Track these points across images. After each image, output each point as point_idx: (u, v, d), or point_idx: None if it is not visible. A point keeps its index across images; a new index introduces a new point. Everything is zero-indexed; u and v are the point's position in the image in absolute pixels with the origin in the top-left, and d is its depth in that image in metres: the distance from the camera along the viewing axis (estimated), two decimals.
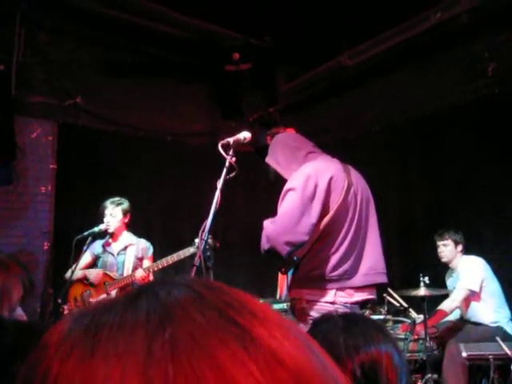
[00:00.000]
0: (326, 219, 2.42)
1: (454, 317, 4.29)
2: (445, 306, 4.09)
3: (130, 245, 4.22)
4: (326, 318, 1.73)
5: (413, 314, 4.29)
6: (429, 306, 3.87)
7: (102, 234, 4.19)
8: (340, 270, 2.42)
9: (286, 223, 2.35)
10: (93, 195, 4.79)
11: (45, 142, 4.95)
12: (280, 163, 2.63)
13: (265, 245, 2.37)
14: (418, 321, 4.03)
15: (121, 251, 4.22)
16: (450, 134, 4.75)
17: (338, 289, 2.39)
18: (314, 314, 2.32)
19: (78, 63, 4.83)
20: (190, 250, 3.71)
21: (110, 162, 5.28)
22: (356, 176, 2.62)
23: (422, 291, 3.79)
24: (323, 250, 2.44)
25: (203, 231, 2.16)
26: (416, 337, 3.90)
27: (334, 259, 2.42)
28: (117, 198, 4.20)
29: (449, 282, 4.41)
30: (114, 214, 4.12)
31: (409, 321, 4.11)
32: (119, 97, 5.23)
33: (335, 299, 2.38)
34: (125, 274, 4.12)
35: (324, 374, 0.32)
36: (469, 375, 3.83)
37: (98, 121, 5.19)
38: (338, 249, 2.44)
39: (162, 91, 5.38)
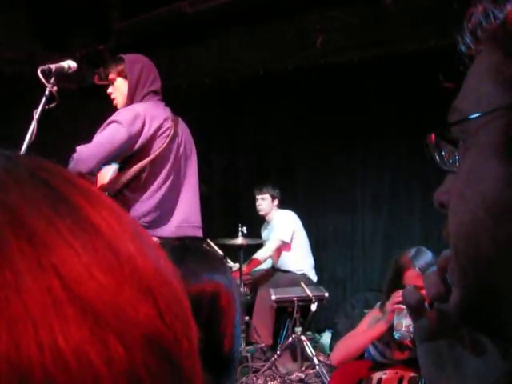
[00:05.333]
0: (143, 162, 2.41)
1: (266, 265, 4.68)
2: (259, 255, 4.44)
3: None
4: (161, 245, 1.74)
5: (230, 262, 4.57)
6: (245, 255, 4.18)
7: None
8: (152, 217, 2.43)
9: (96, 151, 2.30)
10: None
11: None
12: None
13: (71, 164, 2.27)
14: (234, 269, 4.30)
15: None
16: (279, 95, 5.05)
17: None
18: None
19: None
20: None
21: None
22: (183, 128, 2.65)
23: (240, 240, 4.05)
24: (137, 194, 2.43)
25: None
26: None
27: (147, 205, 2.43)
28: None
29: (264, 233, 4.79)
30: None
31: None
32: None
33: None
34: None
35: (151, 260, 0.28)
36: (276, 316, 4.29)
37: None
38: (152, 195, 2.45)
39: None
